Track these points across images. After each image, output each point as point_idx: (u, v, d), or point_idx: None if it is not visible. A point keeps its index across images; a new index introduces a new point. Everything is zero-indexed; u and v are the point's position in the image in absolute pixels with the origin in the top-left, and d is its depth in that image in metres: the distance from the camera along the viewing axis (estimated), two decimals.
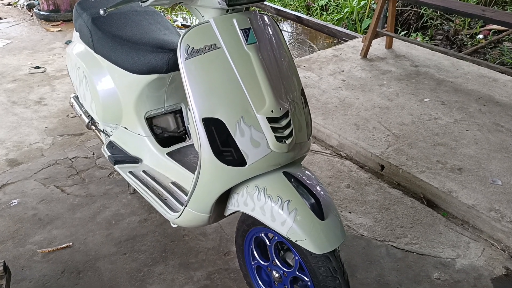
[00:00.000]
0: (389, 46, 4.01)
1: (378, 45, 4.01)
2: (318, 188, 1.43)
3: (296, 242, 1.32)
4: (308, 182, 1.43)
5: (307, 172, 1.50)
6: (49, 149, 2.79)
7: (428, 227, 2.17)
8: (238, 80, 1.36)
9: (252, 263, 1.68)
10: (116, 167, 1.99)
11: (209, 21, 1.37)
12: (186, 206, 1.57)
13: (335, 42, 4.77)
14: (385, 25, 4.00)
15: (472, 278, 1.90)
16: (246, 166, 1.37)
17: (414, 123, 2.87)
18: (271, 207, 1.36)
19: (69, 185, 2.47)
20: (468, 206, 2.20)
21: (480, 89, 3.27)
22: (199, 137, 1.38)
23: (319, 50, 4.17)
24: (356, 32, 4.80)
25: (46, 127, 3.01)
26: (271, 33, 1.50)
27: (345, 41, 4.44)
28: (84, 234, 2.13)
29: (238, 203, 1.47)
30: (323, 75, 3.52)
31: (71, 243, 2.07)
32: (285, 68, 1.49)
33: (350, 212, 2.26)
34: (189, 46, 1.35)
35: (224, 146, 1.36)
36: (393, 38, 3.97)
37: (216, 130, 1.36)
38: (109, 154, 2.02)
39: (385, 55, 3.87)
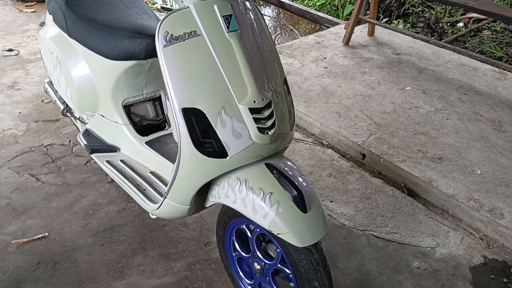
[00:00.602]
0: (371, 33, 3.99)
1: (360, 32, 3.98)
2: (300, 179, 1.41)
3: (278, 235, 1.30)
4: (290, 173, 1.41)
5: (289, 163, 1.47)
6: (23, 136, 2.70)
7: (408, 216, 2.18)
8: (219, 69, 1.31)
9: (233, 254, 1.65)
10: (92, 156, 1.93)
11: (188, 7, 1.32)
12: (165, 197, 1.53)
13: (317, 28, 4.73)
14: (368, 12, 3.97)
15: (451, 267, 1.93)
16: (227, 157, 1.34)
17: (396, 111, 2.87)
18: (253, 200, 1.33)
19: (44, 174, 2.39)
20: (448, 196, 2.21)
21: (460, 78, 3.29)
22: (178, 127, 1.33)
23: (301, 36, 4.12)
24: (338, 19, 4.76)
25: (19, 113, 2.91)
26: (253, 19, 1.45)
27: (327, 27, 4.41)
28: (60, 224, 2.07)
29: (219, 195, 1.44)
30: (305, 62, 3.48)
31: (46, 234, 2.01)
32: (267, 56, 1.45)
33: (331, 201, 2.25)
34: (168, 33, 1.30)
35: (205, 137, 1.32)
36: (375, 26, 3.95)
37: (196, 120, 1.31)
38: (85, 142, 1.95)
39: (367, 43, 3.85)
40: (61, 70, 2.00)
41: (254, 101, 1.32)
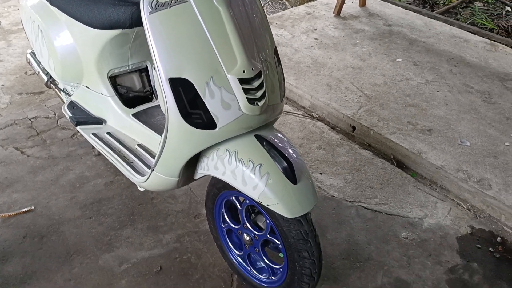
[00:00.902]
0: (362, 4, 3.92)
1: (352, 3, 3.91)
2: (290, 151, 1.39)
3: (268, 207, 1.29)
4: (280, 145, 1.39)
5: (279, 134, 1.45)
6: (6, 109, 2.63)
7: (397, 188, 2.19)
8: (207, 37, 1.27)
9: (223, 226, 1.65)
10: (78, 128, 1.89)
11: None
12: (153, 170, 1.50)
13: None
14: None
15: (439, 237, 1.95)
16: (216, 129, 1.31)
17: (386, 83, 2.85)
18: (242, 171, 1.31)
19: (29, 147, 2.34)
20: (436, 167, 2.22)
21: (451, 49, 3.26)
22: (165, 98, 1.29)
23: (292, 7, 4.04)
24: None
25: (2, 85, 2.83)
26: None
27: None
28: (46, 197, 2.04)
29: (208, 167, 1.41)
30: (296, 33, 3.42)
31: (33, 207, 1.98)
32: (257, 25, 1.41)
33: (321, 173, 2.25)
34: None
35: (193, 108, 1.29)
36: None
37: (184, 91, 1.28)
38: (70, 114, 1.91)
39: (358, 14, 3.79)
40: (43, 40, 1.94)
41: (244, 71, 1.28)
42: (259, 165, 1.30)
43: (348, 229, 1.96)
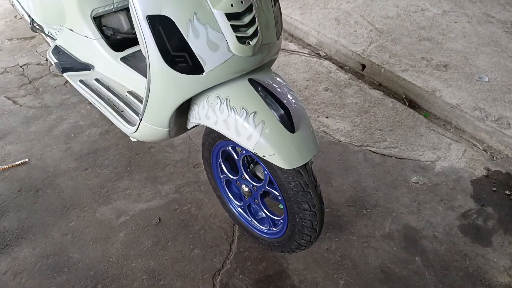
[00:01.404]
0: None
1: None
2: (289, 96, 1.26)
3: (264, 157, 1.18)
4: (278, 90, 1.25)
5: (277, 78, 1.31)
6: None
7: (408, 130, 2.06)
8: None
9: (221, 177, 1.56)
10: (65, 75, 1.76)
11: None
12: (141, 119, 1.39)
13: None
14: None
15: (451, 180, 1.84)
16: (204, 73, 1.17)
17: (400, 15, 2.63)
18: (235, 120, 1.19)
19: (22, 96, 2.24)
20: (451, 106, 2.07)
21: None
22: (144, 40, 1.15)
23: None
24: None
25: None
26: None
27: None
28: (40, 149, 1.97)
29: (199, 116, 1.30)
30: None
31: (27, 159, 1.91)
32: None
33: (327, 117, 2.12)
34: None
35: (176, 51, 1.15)
36: None
37: (164, 31, 1.13)
38: (55, 60, 1.78)
39: None
40: None
41: (232, 5, 1.12)
42: (253, 113, 1.17)
43: (355, 175, 1.86)
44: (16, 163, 1.90)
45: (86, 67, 1.75)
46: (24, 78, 2.35)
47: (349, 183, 1.82)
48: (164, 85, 1.22)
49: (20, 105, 2.19)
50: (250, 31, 1.17)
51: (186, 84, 1.20)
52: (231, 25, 1.13)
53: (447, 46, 2.39)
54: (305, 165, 1.23)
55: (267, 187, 1.37)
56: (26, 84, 2.31)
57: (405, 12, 2.65)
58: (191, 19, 1.12)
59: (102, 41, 1.71)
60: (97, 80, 1.73)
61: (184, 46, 1.14)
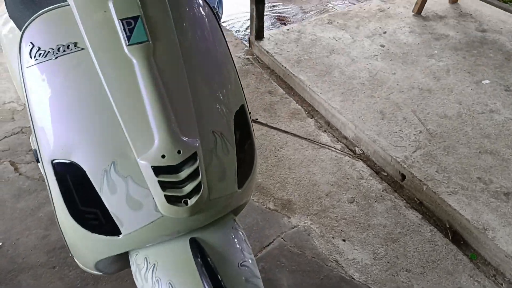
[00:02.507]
0: (453, 0, 3.17)
1: None
2: (237, 269, 0.94)
3: None
4: (225, 258, 0.94)
5: (234, 238, 0.99)
6: (21, 112, 2.46)
7: (445, 276, 1.61)
8: (109, 103, 0.85)
9: None
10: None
11: (68, 4, 0.85)
12: (71, 254, 1.14)
13: None
14: None
15: None
16: (120, 236, 0.90)
17: (460, 116, 2.19)
18: None
19: (26, 162, 2.13)
20: (506, 255, 1.60)
21: None
22: (49, 187, 0.91)
23: (364, 0, 3.40)
24: None
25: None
26: (194, 16, 0.95)
27: None
28: (19, 232, 1.80)
29: (132, 270, 1.02)
30: (359, 36, 2.83)
31: (0, 244, 1.76)
32: (212, 75, 0.95)
33: (344, 240, 1.74)
34: (33, 46, 0.85)
35: (86, 206, 0.89)
36: None
37: (72, 180, 0.87)
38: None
39: (445, 13, 3.05)
40: None
41: (163, 156, 0.84)
42: None
43: None
44: None
45: None
46: None
47: None
48: (74, 240, 0.96)
49: (20, 174, 2.07)
50: (189, 188, 0.87)
51: (99, 244, 0.93)
52: (159, 181, 0.85)
53: None
54: None
55: None
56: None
57: (468, 112, 2.20)
58: (107, 170, 0.86)
59: None
60: None
61: (95, 201, 0.87)
